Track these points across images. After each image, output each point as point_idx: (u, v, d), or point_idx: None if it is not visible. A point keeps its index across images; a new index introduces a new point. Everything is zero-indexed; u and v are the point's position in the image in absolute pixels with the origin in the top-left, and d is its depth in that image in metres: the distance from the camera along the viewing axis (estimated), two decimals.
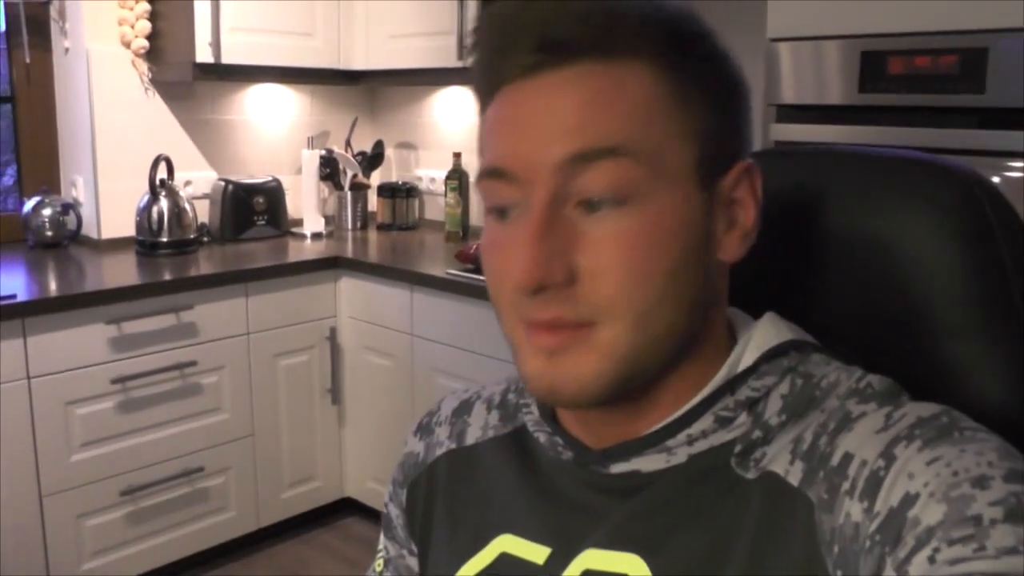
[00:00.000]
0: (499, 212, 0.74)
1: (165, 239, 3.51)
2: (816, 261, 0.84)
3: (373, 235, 4.10)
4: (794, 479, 0.69)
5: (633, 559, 0.72)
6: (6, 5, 3.52)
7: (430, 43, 3.52)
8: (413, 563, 0.97)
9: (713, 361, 0.77)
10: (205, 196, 3.85)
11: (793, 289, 0.86)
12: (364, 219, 4.19)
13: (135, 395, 3.06)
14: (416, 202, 4.23)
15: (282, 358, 3.48)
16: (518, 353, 0.75)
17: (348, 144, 4.19)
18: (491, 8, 0.74)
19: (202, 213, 3.79)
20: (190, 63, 3.41)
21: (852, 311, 0.83)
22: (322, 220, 4.03)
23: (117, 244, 3.62)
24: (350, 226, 4.16)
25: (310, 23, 3.69)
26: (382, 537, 1.02)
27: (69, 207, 3.59)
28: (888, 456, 0.65)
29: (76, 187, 3.67)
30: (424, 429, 0.98)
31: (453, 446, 0.94)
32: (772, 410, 0.73)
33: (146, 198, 3.51)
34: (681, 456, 0.74)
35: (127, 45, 3.55)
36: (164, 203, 3.50)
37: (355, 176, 4.16)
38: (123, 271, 3.30)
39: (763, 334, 0.77)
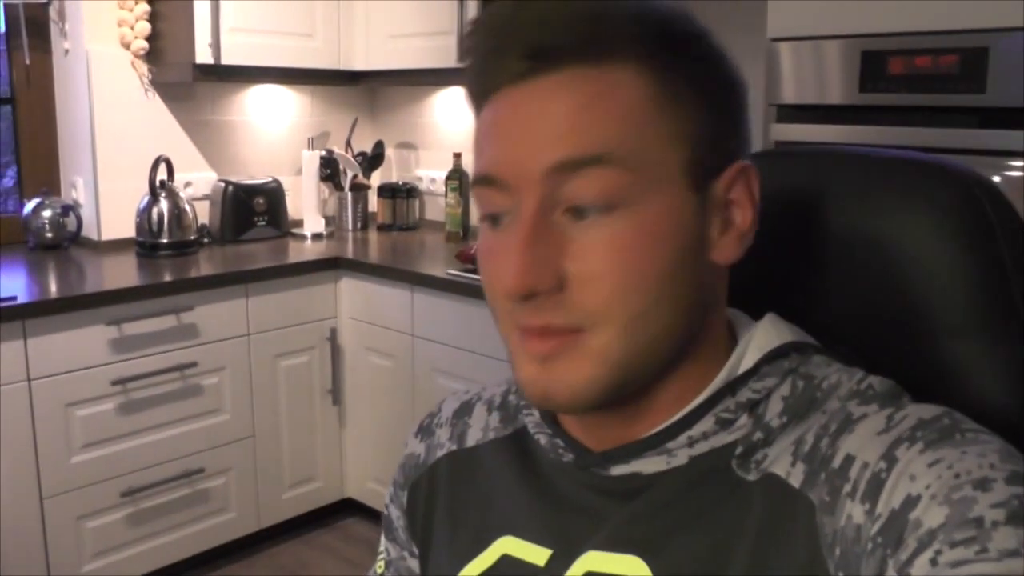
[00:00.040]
0: (492, 219, 0.74)
1: (165, 240, 3.51)
2: (816, 261, 0.84)
3: (373, 235, 4.10)
4: (795, 481, 0.69)
5: (634, 561, 0.72)
6: (6, 6, 3.52)
7: (430, 43, 3.52)
8: (414, 565, 0.97)
9: (713, 362, 0.77)
10: (205, 197, 3.85)
11: (793, 290, 0.86)
12: (364, 220, 4.19)
13: (135, 396, 3.06)
14: (416, 202, 4.23)
15: (283, 359, 3.48)
16: (513, 359, 0.75)
17: (348, 145, 4.19)
18: (481, 15, 0.74)
19: (202, 214, 3.79)
20: (190, 64, 3.41)
21: (852, 311, 0.82)
22: (322, 221, 4.03)
23: (117, 245, 3.62)
24: (350, 227, 4.16)
25: (310, 24, 3.69)
26: (383, 539, 1.02)
27: (69, 208, 3.59)
28: (890, 458, 0.65)
29: (76, 188, 3.67)
30: (425, 430, 0.98)
31: (454, 448, 0.93)
32: (773, 412, 0.73)
33: (146, 199, 3.51)
34: (682, 458, 0.74)
35: (127, 46, 3.55)
36: (164, 204, 3.50)
37: (355, 177, 4.16)
38: (123, 272, 3.30)
39: (764, 335, 0.77)
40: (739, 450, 0.72)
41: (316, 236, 3.97)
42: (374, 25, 3.77)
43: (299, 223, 4.05)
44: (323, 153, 4.08)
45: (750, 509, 0.70)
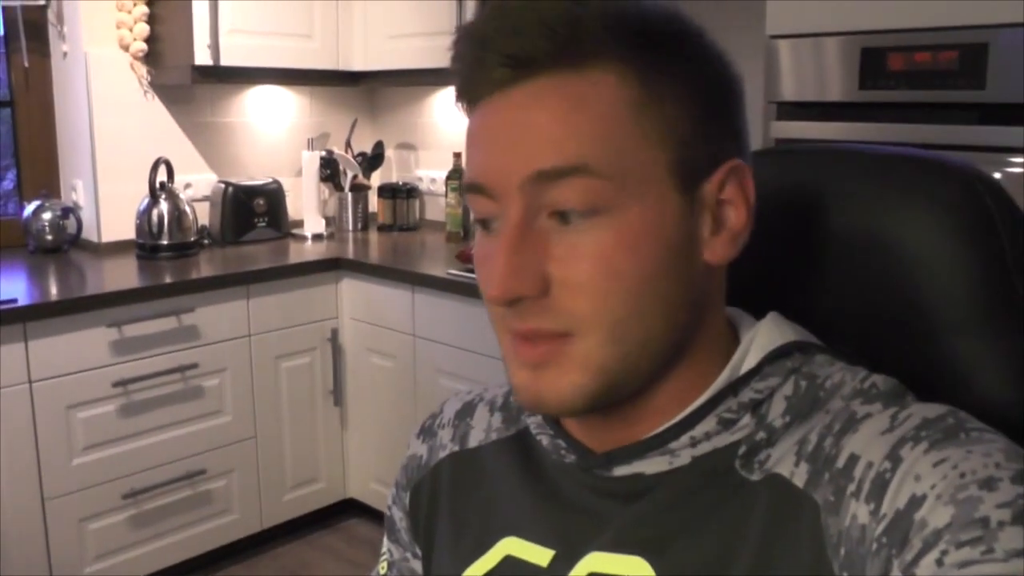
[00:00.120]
0: (483, 223, 0.74)
1: (165, 242, 3.51)
2: (818, 260, 0.84)
3: (374, 236, 4.10)
4: (799, 481, 0.69)
5: (638, 562, 0.72)
6: (4, 9, 3.51)
7: (429, 43, 3.52)
8: (417, 566, 0.97)
9: (713, 362, 0.77)
10: (205, 198, 3.85)
11: (795, 288, 0.86)
12: (365, 220, 4.19)
13: (137, 398, 3.06)
14: (416, 203, 4.23)
15: (284, 360, 3.48)
16: (507, 364, 0.76)
17: (348, 145, 4.19)
18: (466, 23, 0.74)
19: (202, 216, 3.79)
20: (189, 66, 3.41)
21: (854, 309, 0.82)
22: (323, 221, 4.03)
23: (117, 247, 3.61)
24: (351, 227, 4.16)
25: (308, 24, 3.69)
26: (385, 540, 1.02)
27: (69, 211, 3.59)
28: (894, 458, 0.65)
29: (76, 191, 3.67)
30: (427, 432, 0.98)
31: (456, 449, 0.93)
32: (776, 412, 0.72)
33: (146, 201, 3.51)
34: (684, 458, 0.74)
35: (125, 48, 3.54)
36: (164, 206, 3.50)
37: (355, 177, 4.16)
38: (124, 274, 3.29)
39: (766, 335, 0.77)
40: (742, 450, 0.72)
41: (316, 237, 3.97)
42: (373, 25, 3.77)
43: (299, 224, 4.05)
44: (323, 154, 4.08)
45: (754, 509, 0.70)
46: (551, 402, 0.73)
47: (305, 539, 3.67)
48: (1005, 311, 0.76)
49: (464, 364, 3.16)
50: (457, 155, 3.91)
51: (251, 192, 3.84)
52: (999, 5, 2.04)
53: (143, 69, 3.61)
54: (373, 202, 4.26)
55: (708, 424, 0.73)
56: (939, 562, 0.58)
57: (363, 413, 3.65)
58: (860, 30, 2.28)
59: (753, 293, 0.84)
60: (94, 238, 3.63)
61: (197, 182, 3.84)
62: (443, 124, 4.16)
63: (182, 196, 3.60)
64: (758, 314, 0.80)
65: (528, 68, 0.69)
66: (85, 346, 2.91)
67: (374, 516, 3.72)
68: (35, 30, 3.61)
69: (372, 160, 4.23)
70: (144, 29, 3.52)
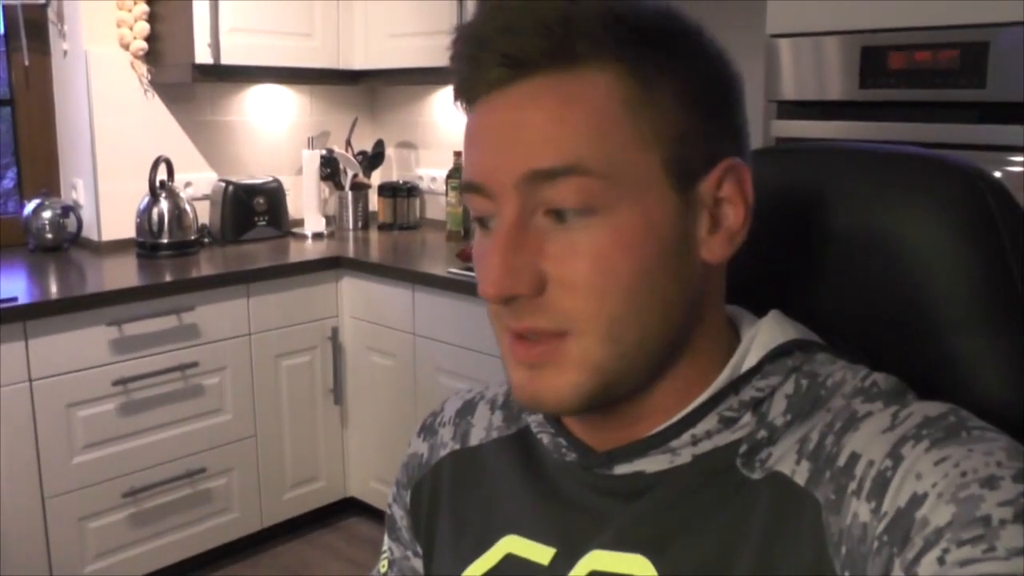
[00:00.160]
0: (481, 222, 0.75)
1: (166, 240, 3.51)
2: (818, 258, 0.84)
3: (374, 235, 4.10)
4: (801, 479, 0.69)
5: (640, 560, 0.72)
6: (4, 8, 3.51)
7: (429, 42, 3.51)
8: (418, 564, 0.97)
9: (714, 361, 0.77)
10: (205, 197, 3.85)
11: (796, 287, 0.86)
12: (365, 219, 4.19)
13: (137, 397, 3.06)
14: (417, 201, 4.22)
15: (284, 358, 3.48)
16: (505, 362, 0.76)
17: (348, 144, 4.19)
18: (463, 23, 0.74)
19: (203, 214, 3.79)
20: (189, 64, 3.41)
21: (855, 308, 0.82)
22: (323, 220, 4.03)
23: (118, 246, 3.61)
24: (351, 226, 4.15)
25: (309, 23, 3.69)
26: (386, 538, 1.02)
27: (69, 209, 3.59)
28: (895, 456, 0.65)
29: (76, 189, 3.67)
30: (428, 430, 0.98)
31: (457, 447, 0.94)
32: (777, 410, 0.72)
33: (146, 200, 3.51)
34: (685, 456, 0.74)
35: (126, 47, 3.54)
36: (164, 205, 3.50)
37: (356, 176, 4.16)
38: (124, 273, 3.29)
39: (767, 333, 0.77)
40: (743, 448, 0.72)
41: (317, 235, 3.97)
42: (373, 24, 3.77)
43: (300, 223, 4.05)
44: (323, 152, 4.08)
45: (755, 508, 0.70)
46: (548, 401, 0.73)
47: (305, 538, 3.67)
48: (1006, 310, 0.76)
49: (464, 363, 3.16)
50: (457, 154, 3.90)
51: (251, 191, 3.84)
52: (999, 4, 2.04)
53: (143, 68, 3.61)
54: (373, 201, 4.26)
55: (709, 422, 0.73)
56: (940, 560, 0.58)
57: (363, 412, 3.65)
58: (860, 29, 2.28)
59: (754, 292, 0.84)
60: (94, 237, 3.63)
61: (197, 181, 3.84)
62: (443, 123, 4.16)
63: (182, 195, 3.60)
64: (759, 312, 0.80)
65: (524, 68, 0.69)
66: (85, 344, 2.91)
67: (374, 515, 3.72)
68: (35, 28, 3.61)
69: (372, 159, 4.23)
70: (144, 28, 3.52)
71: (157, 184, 3.49)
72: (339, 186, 4.15)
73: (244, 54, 3.48)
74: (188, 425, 3.22)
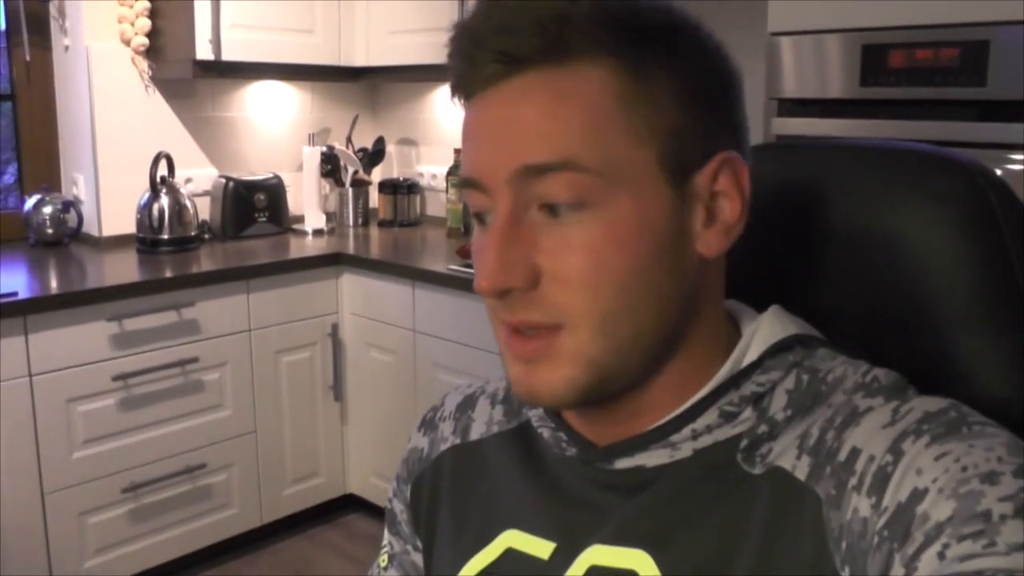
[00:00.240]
0: (478, 217, 0.75)
1: (166, 236, 3.51)
2: (819, 254, 0.84)
3: (374, 231, 4.10)
4: (801, 474, 0.69)
5: (640, 555, 0.72)
6: (6, 3, 3.51)
7: (430, 39, 3.51)
8: (418, 559, 0.97)
9: (713, 356, 0.77)
10: (206, 193, 3.85)
11: (797, 282, 0.86)
12: (365, 215, 4.19)
13: (137, 392, 3.06)
14: (417, 198, 4.23)
15: (284, 355, 3.48)
16: (503, 356, 0.76)
17: (349, 141, 4.19)
18: (460, 20, 0.74)
19: (203, 210, 3.79)
20: (190, 60, 3.41)
21: (857, 303, 0.82)
22: (323, 217, 4.03)
23: (118, 242, 3.61)
24: (351, 222, 4.15)
25: (310, 20, 3.69)
26: (386, 532, 1.02)
27: (70, 205, 3.59)
28: (896, 451, 0.65)
29: (77, 185, 3.67)
30: (428, 424, 0.98)
31: (457, 441, 0.94)
32: (777, 405, 0.72)
33: (147, 195, 3.51)
34: (686, 451, 0.74)
35: (127, 43, 3.54)
36: (165, 200, 3.50)
37: (356, 172, 4.16)
38: (124, 268, 3.30)
39: (768, 328, 0.77)
40: (744, 443, 0.72)
41: (317, 232, 3.97)
42: (374, 21, 3.77)
43: (300, 219, 4.05)
44: (324, 149, 4.08)
45: (756, 503, 0.70)
46: (544, 395, 0.73)
47: (305, 534, 3.67)
48: (1007, 307, 0.76)
49: (464, 359, 3.16)
50: (458, 151, 3.89)
51: (252, 187, 3.84)
52: (1000, 3, 2.04)
53: (144, 63, 3.61)
54: (374, 198, 4.26)
55: (709, 417, 0.73)
56: (941, 555, 0.58)
57: (363, 408, 3.65)
58: (861, 27, 2.28)
59: (755, 288, 0.84)
60: (95, 232, 3.63)
61: (198, 177, 3.84)
62: (444, 120, 4.16)
63: (183, 191, 3.60)
64: (760, 309, 0.81)
65: (518, 64, 0.70)
66: (85, 340, 2.91)
67: (374, 511, 3.72)
68: (37, 24, 3.60)
69: (373, 156, 4.23)
70: (145, 24, 3.52)
71: (158, 180, 3.49)
72: (340, 183, 4.15)
73: (245, 50, 3.48)
74: (188, 421, 3.22)
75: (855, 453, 0.67)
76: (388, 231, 4.09)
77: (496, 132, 0.71)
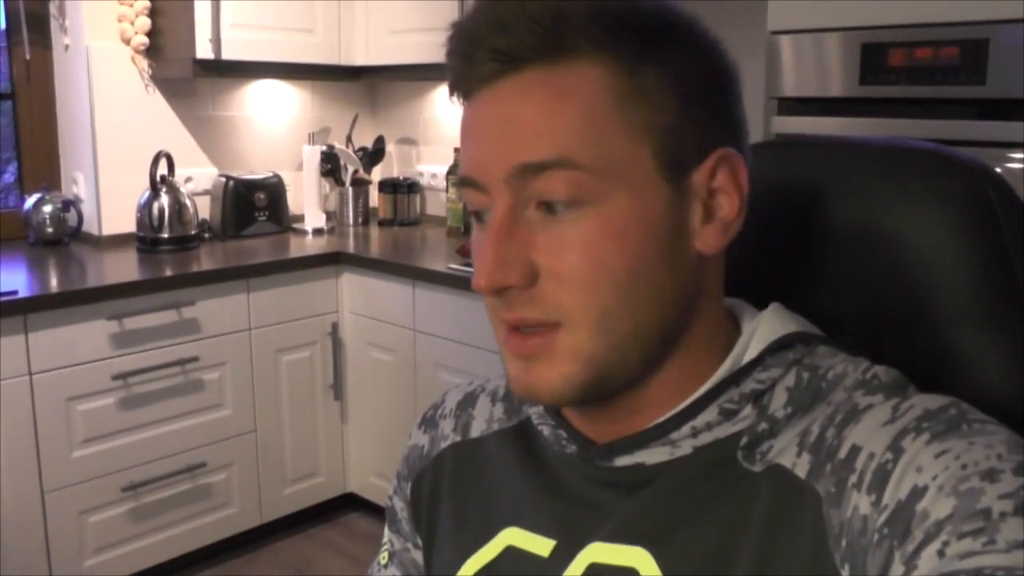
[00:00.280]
0: (477, 216, 0.75)
1: (166, 235, 3.51)
2: (820, 251, 0.84)
3: (375, 231, 4.10)
4: (801, 472, 0.69)
5: (640, 553, 0.72)
6: (6, 2, 3.51)
7: (430, 38, 3.51)
8: (418, 556, 0.97)
9: (712, 353, 0.77)
10: (206, 192, 3.85)
11: (797, 280, 0.86)
12: (365, 215, 4.19)
13: (137, 391, 3.06)
14: (417, 197, 4.22)
15: (284, 354, 3.48)
16: (502, 354, 0.77)
17: (349, 140, 4.19)
18: (458, 19, 0.74)
19: (203, 209, 3.79)
20: (190, 59, 3.41)
21: (857, 301, 0.82)
22: (323, 216, 4.03)
23: (118, 240, 3.61)
24: (351, 222, 4.15)
25: (310, 19, 3.69)
26: (387, 530, 1.02)
27: (70, 204, 3.59)
28: (896, 449, 0.65)
29: (77, 184, 3.67)
30: (429, 422, 0.98)
31: (458, 439, 0.94)
32: (778, 403, 0.72)
33: (147, 194, 3.51)
34: (686, 448, 0.74)
35: (127, 42, 3.54)
36: (165, 199, 3.50)
37: (356, 172, 4.16)
38: (124, 267, 3.30)
39: (768, 326, 0.77)
40: (744, 441, 0.72)
41: (317, 231, 3.97)
42: (374, 20, 3.77)
43: (300, 218, 4.05)
44: (324, 148, 4.08)
45: (756, 500, 0.70)
46: (542, 393, 0.73)
47: (305, 533, 3.67)
48: (1007, 305, 0.76)
49: (464, 358, 3.16)
50: (458, 150, 3.86)
51: (252, 186, 3.84)
52: (999, 2, 2.04)
53: (144, 63, 3.61)
54: (374, 197, 4.26)
55: (709, 414, 0.73)
56: (940, 553, 0.58)
57: (363, 407, 3.65)
58: (861, 26, 2.28)
59: (755, 285, 0.84)
60: (95, 231, 3.63)
61: (198, 176, 3.84)
62: (444, 119, 4.16)
63: (183, 190, 3.60)
64: (760, 306, 0.81)
65: (515, 63, 0.70)
66: (85, 339, 2.91)
67: (374, 510, 3.72)
68: (37, 23, 3.60)
69: (373, 155, 4.23)
70: (145, 23, 3.52)
71: (158, 179, 3.49)
72: (339, 182, 4.15)
73: (245, 49, 3.48)
74: (188, 420, 3.22)
75: (855, 451, 0.67)
76: (388, 230, 4.09)
77: (493, 131, 0.71)
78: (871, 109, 2.32)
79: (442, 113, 4.16)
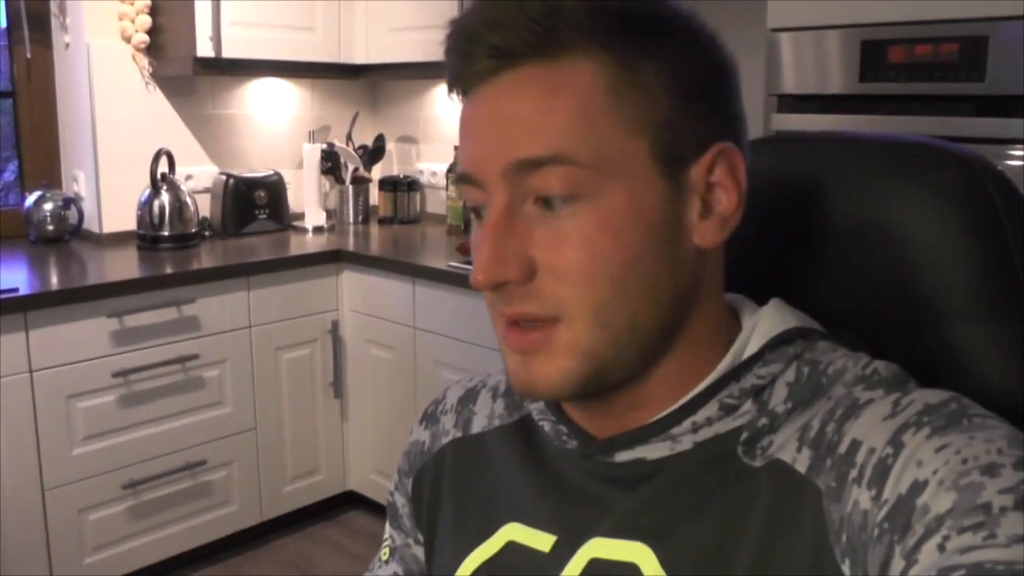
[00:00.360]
0: (476, 212, 0.76)
1: (166, 233, 3.51)
2: (820, 247, 0.84)
3: (375, 228, 4.10)
4: (802, 467, 0.69)
5: (640, 548, 0.72)
6: (7, 1, 3.51)
7: (430, 36, 3.50)
8: (419, 552, 0.97)
9: (712, 348, 0.77)
10: (206, 190, 3.85)
11: (798, 275, 0.86)
12: (365, 213, 4.19)
13: (137, 388, 3.06)
14: (417, 195, 4.23)
15: (284, 351, 3.48)
16: (501, 349, 0.77)
17: (349, 138, 4.19)
18: (456, 16, 0.74)
19: (203, 207, 3.79)
20: (191, 57, 3.41)
21: (857, 296, 0.82)
22: (323, 214, 4.03)
23: (118, 238, 3.61)
24: (351, 220, 4.15)
25: (310, 17, 3.69)
26: (388, 526, 1.02)
27: (70, 201, 3.59)
28: (896, 443, 0.65)
29: (77, 182, 3.67)
30: (430, 418, 0.99)
31: (459, 435, 0.94)
32: (778, 398, 0.73)
33: (147, 192, 3.51)
34: (686, 444, 0.74)
35: (127, 40, 3.54)
36: (165, 197, 3.50)
37: (356, 170, 4.16)
38: (125, 265, 3.30)
39: (768, 321, 0.77)
40: (744, 436, 0.72)
41: (317, 229, 3.97)
42: (374, 18, 3.77)
43: (300, 216, 4.05)
44: (324, 146, 4.08)
45: (756, 495, 0.70)
46: (541, 387, 0.74)
47: (305, 531, 3.67)
48: (1007, 299, 0.76)
49: (464, 356, 3.16)
50: (458, 148, 3.89)
51: (252, 184, 3.84)
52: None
53: (145, 61, 3.61)
54: (374, 195, 4.26)
55: (710, 409, 0.73)
56: (941, 547, 0.58)
57: (363, 405, 3.65)
58: (861, 23, 2.28)
59: (755, 281, 0.84)
60: (95, 229, 3.63)
61: (198, 174, 3.84)
62: (444, 117, 4.16)
63: (183, 187, 3.60)
64: (761, 302, 0.81)
65: (511, 59, 0.70)
66: (86, 336, 2.91)
67: (374, 508, 3.72)
68: (38, 21, 3.60)
69: (373, 153, 4.23)
70: (146, 21, 3.52)
71: (158, 177, 3.49)
72: (340, 180, 4.15)
73: (245, 47, 3.48)
74: (188, 417, 3.22)
75: (855, 445, 0.67)
76: (388, 228, 4.09)
77: (490, 127, 0.72)
78: (871, 106, 2.32)
79: (442, 111, 4.16)
